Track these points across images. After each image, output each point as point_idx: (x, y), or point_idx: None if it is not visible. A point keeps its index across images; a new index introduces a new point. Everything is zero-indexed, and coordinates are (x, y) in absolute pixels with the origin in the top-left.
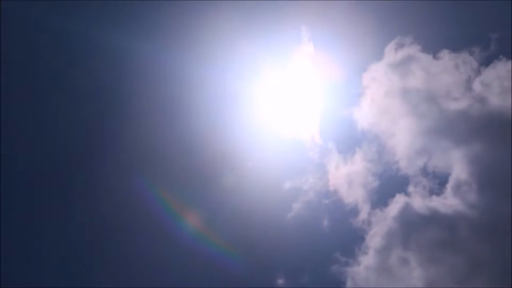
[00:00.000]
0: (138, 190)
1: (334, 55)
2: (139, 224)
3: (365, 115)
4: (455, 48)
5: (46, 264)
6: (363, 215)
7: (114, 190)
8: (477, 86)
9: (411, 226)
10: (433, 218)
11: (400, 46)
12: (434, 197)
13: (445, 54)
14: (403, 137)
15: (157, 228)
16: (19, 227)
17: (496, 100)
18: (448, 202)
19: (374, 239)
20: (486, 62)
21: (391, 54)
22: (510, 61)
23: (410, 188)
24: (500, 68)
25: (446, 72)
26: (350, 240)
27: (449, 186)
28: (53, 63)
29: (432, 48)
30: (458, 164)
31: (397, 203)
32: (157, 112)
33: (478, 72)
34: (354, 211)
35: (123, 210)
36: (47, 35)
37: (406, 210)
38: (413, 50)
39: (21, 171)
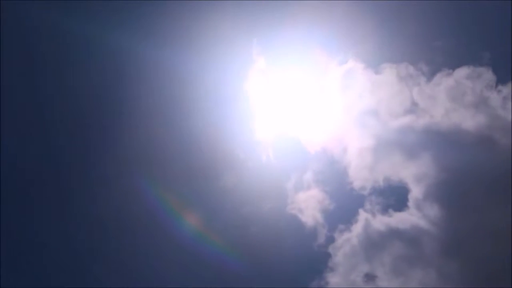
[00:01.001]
0: (138, 190)
1: (282, 72)
2: (139, 224)
3: (314, 134)
4: (397, 61)
5: (46, 264)
6: (323, 236)
7: (114, 190)
8: (421, 98)
9: (374, 243)
10: (394, 233)
11: (343, 61)
12: (391, 212)
13: (387, 68)
14: (355, 154)
15: (157, 228)
16: (20, 228)
17: (441, 112)
18: (406, 216)
19: (338, 257)
20: (430, 74)
21: (336, 70)
22: (453, 72)
23: (370, 205)
24: (443, 79)
25: (390, 86)
26: (314, 259)
27: (406, 200)
28: (53, 63)
29: (375, 63)
30: (411, 178)
31: (360, 220)
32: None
33: (422, 85)
34: (314, 233)
35: (123, 210)
36: (47, 35)
37: (368, 227)
38: (356, 65)
39: (22, 171)
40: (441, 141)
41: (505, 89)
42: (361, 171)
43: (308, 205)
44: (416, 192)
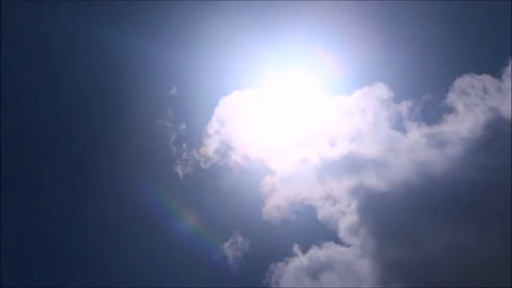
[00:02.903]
0: (138, 190)
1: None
2: (139, 224)
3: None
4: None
5: (46, 264)
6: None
7: (114, 191)
8: (321, 124)
9: (310, 277)
10: (328, 265)
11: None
12: (321, 243)
13: (282, 93)
14: (267, 190)
15: (156, 228)
16: (20, 228)
17: (342, 137)
18: (334, 246)
19: None
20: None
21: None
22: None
23: (296, 241)
24: (342, 101)
25: (286, 112)
26: None
27: (329, 230)
28: (52, 64)
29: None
30: (325, 205)
31: (290, 257)
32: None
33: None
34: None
35: (123, 210)
36: (47, 35)
37: (299, 263)
38: (247, 93)
39: (22, 171)
40: (346, 166)
41: (403, 107)
42: (276, 207)
43: (231, 252)
44: (339, 221)
